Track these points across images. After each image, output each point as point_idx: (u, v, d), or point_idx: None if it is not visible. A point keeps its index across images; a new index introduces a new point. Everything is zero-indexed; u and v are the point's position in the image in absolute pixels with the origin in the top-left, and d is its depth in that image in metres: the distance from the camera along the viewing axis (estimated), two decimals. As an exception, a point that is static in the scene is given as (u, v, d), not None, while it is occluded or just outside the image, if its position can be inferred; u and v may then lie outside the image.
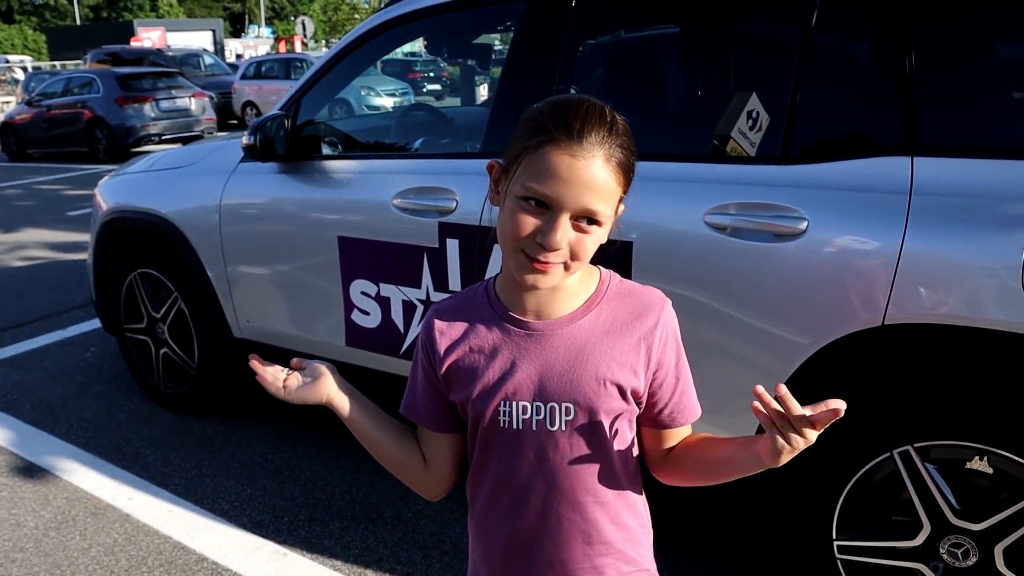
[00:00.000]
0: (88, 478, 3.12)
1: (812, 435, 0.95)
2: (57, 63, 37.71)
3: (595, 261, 1.11)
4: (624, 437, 1.13)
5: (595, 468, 1.11)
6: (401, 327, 2.69)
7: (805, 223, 1.89)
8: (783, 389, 0.94)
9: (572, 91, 3.42)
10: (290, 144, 2.91)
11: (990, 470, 1.84)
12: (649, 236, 2.10)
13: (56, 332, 4.86)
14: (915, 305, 1.76)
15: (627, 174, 1.05)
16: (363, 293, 2.76)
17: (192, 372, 3.51)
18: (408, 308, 2.65)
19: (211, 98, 14.94)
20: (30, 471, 3.20)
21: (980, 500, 1.83)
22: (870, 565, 1.98)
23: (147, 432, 3.49)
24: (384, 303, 2.71)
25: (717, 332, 2.05)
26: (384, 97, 15.91)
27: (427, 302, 2.59)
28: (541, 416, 1.10)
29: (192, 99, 13.94)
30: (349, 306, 2.81)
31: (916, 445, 1.83)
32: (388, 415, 1.22)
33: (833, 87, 2.09)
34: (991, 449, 1.76)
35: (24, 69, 33.20)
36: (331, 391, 1.18)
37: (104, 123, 13.04)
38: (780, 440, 0.96)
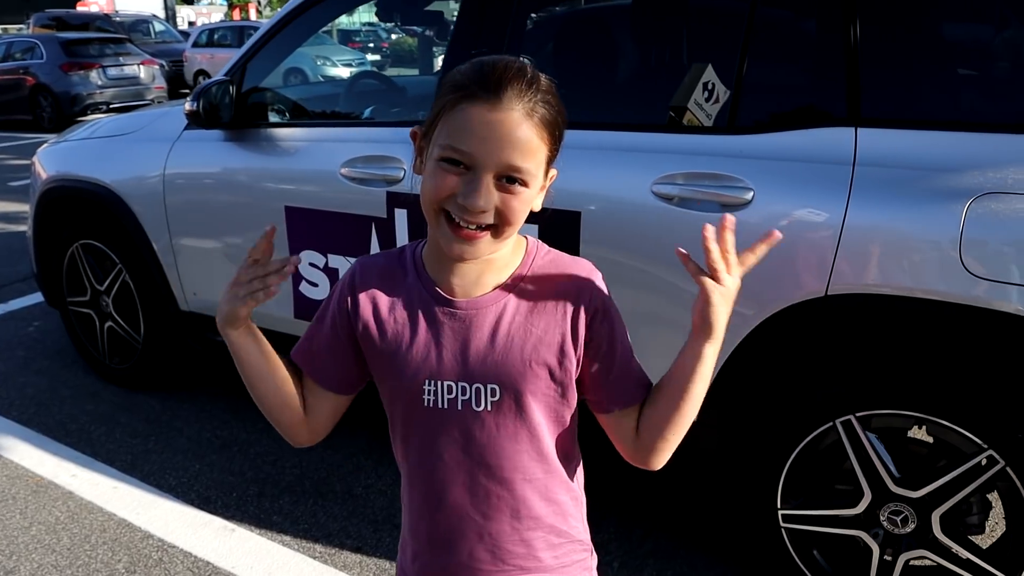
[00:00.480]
0: (30, 455, 3.04)
1: (735, 276, 1.00)
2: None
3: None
4: (555, 416, 1.10)
5: (523, 447, 1.08)
6: (350, 299, 2.65)
7: (751, 193, 1.89)
8: (729, 220, 0.99)
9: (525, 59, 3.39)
10: (236, 111, 2.83)
11: (930, 439, 1.88)
12: (597, 206, 2.09)
13: (-3, 306, 4.73)
14: (857, 275, 1.78)
15: (552, 131, 1.00)
16: (311, 264, 2.71)
17: (138, 346, 3.43)
18: (357, 280, 2.61)
19: (161, 66, 14.53)
20: (-32, 449, 3.11)
21: (919, 468, 1.87)
22: (813, 533, 2.01)
23: (92, 408, 3.41)
24: (332, 274, 2.67)
25: (664, 302, 2.05)
26: (340, 67, 15.63)
27: (376, 274, 2.55)
28: (467, 396, 1.06)
29: (141, 67, 13.54)
30: (297, 278, 2.76)
31: (858, 414, 1.86)
32: (275, 352, 1.14)
33: (779, 58, 2.09)
34: (930, 418, 1.79)
35: (-36, 34, 31.92)
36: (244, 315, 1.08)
37: (48, 90, 12.61)
38: (709, 283, 0.99)
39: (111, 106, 12.72)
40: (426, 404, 1.07)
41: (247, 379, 1.13)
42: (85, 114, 12.49)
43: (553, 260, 1.11)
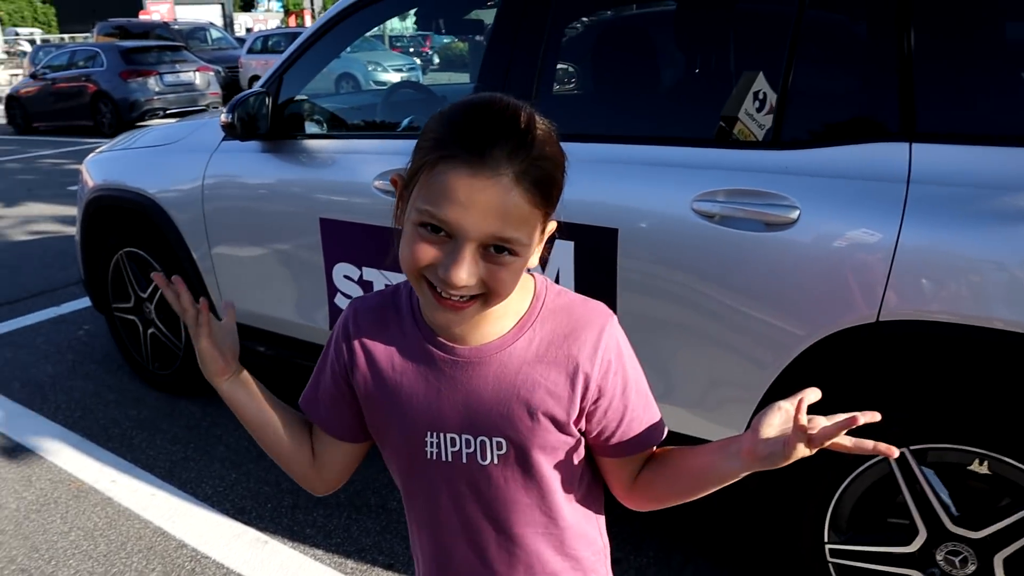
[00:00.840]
0: (72, 460, 3.08)
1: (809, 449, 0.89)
2: (66, 36, 37.60)
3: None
4: (566, 469, 1.02)
5: (534, 501, 1.01)
6: (386, 312, 2.61)
7: (797, 212, 1.79)
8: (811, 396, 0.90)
9: (560, 68, 3.32)
10: (272, 122, 2.82)
11: (990, 475, 1.76)
12: (635, 223, 2.01)
13: (50, 309, 4.82)
14: (912, 301, 1.67)
15: (548, 192, 0.88)
16: (346, 277, 2.68)
17: (180, 353, 3.45)
18: (392, 293, 2.58)
19: (217, 72, 14.83)
20: (15, 452, 3.16)
21: (980, 507, 1.75)
22: (863, 570, 1.90)
23: (135, 413, 3.44)
24: (367, 288, 2.64)
25: (705, 321, 1.97)
26: (391, 72, 15.75)
27: (411, 287, 2.51)
28: (471, 449, 0.99)
29: (196, 73, 13.83)
30: (332, 290, 2.73)
31: (912, 448, 1.75)
32: (278, 400, 1.10)
33: (828, 68, 1.99)
34: (991, 454, 1.68)
35: (32, 42, 33.13)
36: (232, 365, 1.06)
37: (108, 97, 12.96)
38: (786, 445, 0.88)
39: (167, 112, 13.01)
40: (429, 457, 1.01)
41: (247, 428, 1.09)
42: (143, 119, 12.81)
43: (564, 305, 1.01)
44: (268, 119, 2.82)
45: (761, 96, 1.99)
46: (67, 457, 3.10)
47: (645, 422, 1.03)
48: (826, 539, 1.92)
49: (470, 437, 0.99)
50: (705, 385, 2.02)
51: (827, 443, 0.88)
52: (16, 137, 14.05)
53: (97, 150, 3.82)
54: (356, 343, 1.03)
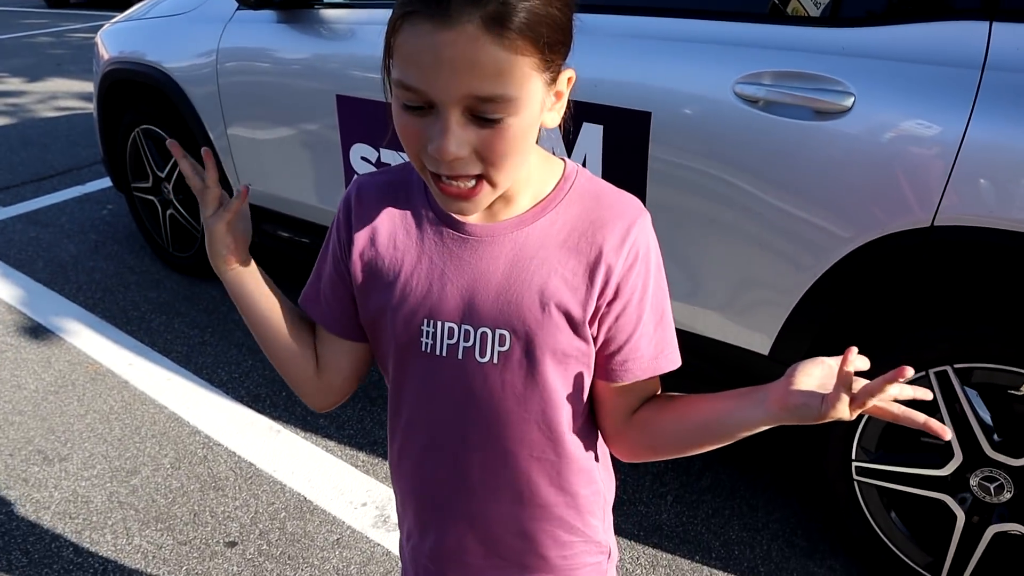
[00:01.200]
0: (91, 341, 3.06)
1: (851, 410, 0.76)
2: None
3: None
4: (574, 382, 0.89)
5: (533, 415, 0.88)
6: (402, 200, 2.48)
7: (851, 99, 1.59)
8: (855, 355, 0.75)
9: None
10: (287, -10, 2.62)
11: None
12: (668, 105, 1.82)
13: (75, 187, 4.76)
14: (973, 205, 1.49)
15: (542, 36, 0.72)
16: (363, 158, 2.54)
17: (198, 236, 3.38)
18: (409, 180, 2.43)
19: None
20: (36, 332, 3.15)
21: (1022, 433, 1.61)
22: (889, 491, 1.79)
23: (154, 296, 3.40)
24: (384, 173, 2.49)
25: (741, 217, 1.80)
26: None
27: (429, 174, 2.36)
28: (470, 343, 0.86)
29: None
30: (349, 172, 2.60)
31: (956, 366, 1.60)
32: (285, 297, 0.99)
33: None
34: (1044, 375, 1.53)
35: (66, -92, 32.15)
36: (242, 253, 0.94)
37: (139, -33, 12.57)
38: (824, 401, 0.76)
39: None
40: (423, 348, 0.88)
41: (249, 322, 0.98)
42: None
43: (595, 190, 0.89)
44: (282, -14, 2.62)
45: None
46: (86, 339, 3.08)
47: (656, 343, 0.89)
48: (854, 456, 1.80)
49: (470, 328, 0.86)
50: (736, 286, 1.87)
51: (870, 404, 0.75)
52: (47, 10, 13.78)
53: (112, 20, 3.64)
54: (355, 220, 0.92)
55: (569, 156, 1.96)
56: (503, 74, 0.72)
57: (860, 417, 1.75)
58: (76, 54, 9.11)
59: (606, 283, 0.85)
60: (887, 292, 1.75)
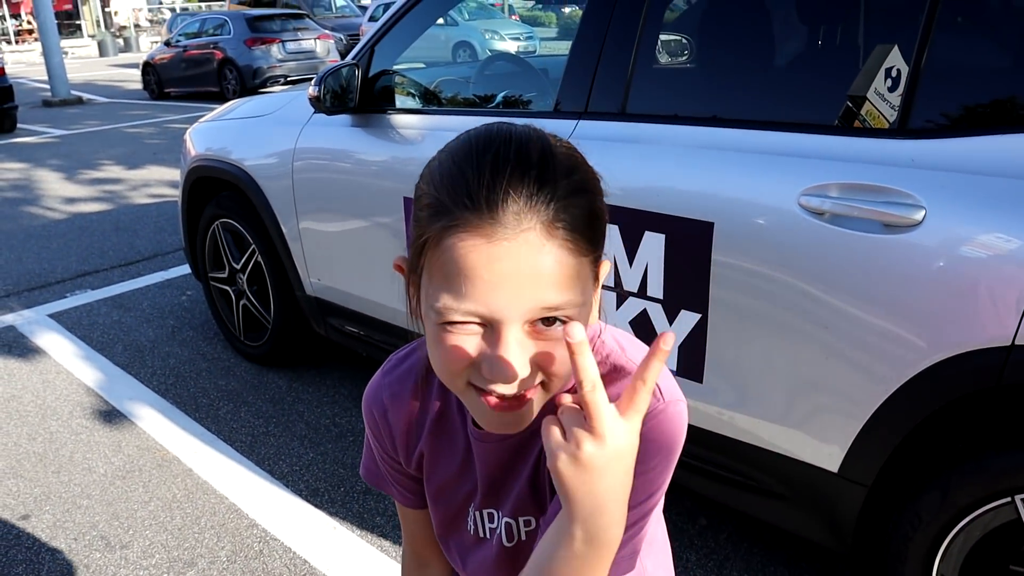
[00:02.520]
0: (160, 427, 3.13)
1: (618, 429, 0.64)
2: (203, 4, 39.25)
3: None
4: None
5: None
6: (465, 298, 2.49)
7: (922, 212, 1.54)
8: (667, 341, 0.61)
9: (665, 40, 3.07)
10: (361, 96, 2.73)
11: None
12: (731, 217, 1.80)
13: (159, 273, 4.97)
14: (1057, 325, 1.41)
15: (591, 231, 0.67)
16: (428, 259, 2.57)
17: (268, 326, 3.46)
18: (472, 278, 2.45)
19: (338, 40, 15.08)
20: (109, 416, 3.24)
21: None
22: (975, 625, 1.66)
23: (223, 384, 3.47)
24: (449, 271, 2.52)
25: (809, 328, 1.74)
26: (507, 41, 15.62)
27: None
28: (498, 530, 0.87)
29: (317, 41, 14.10)
30: (414, 271, 2.63)
31: (1045, 495, 1.49)
32: None
33: (972, 41, 1.71)
34: None
35: (172, 10, 34.75)
36: None
37: (233, 64, 13.39)
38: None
39: (288, 79, 13.33)
40: (468, 528, 0.90)
41: None
42: (265, 86, 13.16)
43: (614, 372, 0.78)
44: (357, 92, 2.73)
45: (895, 74, 1.73)
46: (156, 424, 3.15)
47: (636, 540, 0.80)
48: (935, 587, 1.68)
49: (497, 515, 0.88)
50: (804, 397, 1.80)
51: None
52: (149, 102, 14.74)
53: (200, 119, 3.85)
54: (396, 427, 0.90)
55: (631, 266, 1.95)
56: (570, 279, 0.66)
57: (939, 541, 1.65)
58: (171, 144, 9.66)
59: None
60: (971, 411, 1.65)
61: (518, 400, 0.70)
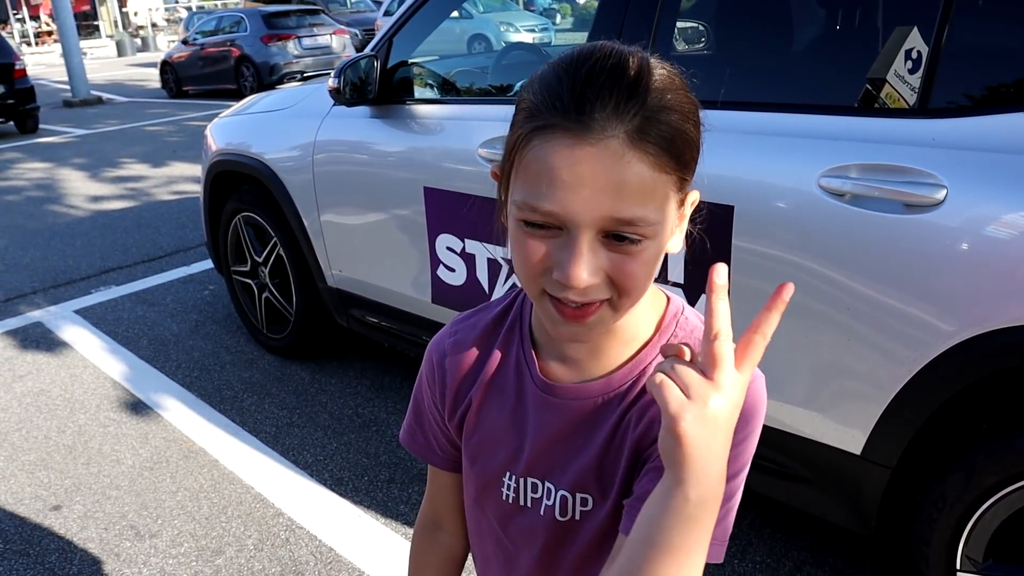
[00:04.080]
0: (186, 419, 3.17)
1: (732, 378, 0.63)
2: (220, 2, 39.45)
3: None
4: None
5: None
6: (486, 287, 2.51)
7: (944, 192, 1.54)
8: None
9: (684, 27, 3.06)
10: (380, 87, 2.75)
11: None
12: (753, 199, 1.80)
13: (182, 268, 5.02)
14: (1082, 302, 1.40)
15: (677, 150, 0.67)
16: (448, 248, 2.59)
17: (291, 318, 3.49)
18: (493, 267, 2.47)
19: (355, 35, 15.11)
20: (136, 408, 3.29)
21: None
22: (1002, 605, 1.66)
23: (247, 376, 3.51)
24: (469, 260, 2.54)
25: (830, 310, 1.74)
26: (523, 33, 15.59)
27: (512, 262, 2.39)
28: (551, 501, 0.85)
29: (333, 36, 14.14)
30: (435, 261, 2.65)
31: (1071, 473, 1.49)
32: None
33: (995, 18, 1.69)
34: None
35: (189, 9, 34.93)
36: None
37: (250, 61, 13.46)
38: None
39: (305, 75, 13.39)
40: (504, 498, 0.88)
41: None
42: (282, 82, 13.20)
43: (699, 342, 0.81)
44: (376, 84, 2.75)
45: (915, 55, 1.72)
46: (182, 416, 3.19)
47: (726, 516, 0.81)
48: (959, 567, 1.68)
49: (552, 487, 0.85)
50: (827, 380, 1.80)
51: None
52: (168, 100, 14.85)
53: (220, 114, 3.88)
54: (447, 367, 0.90)
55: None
56: (647, 194, 0.67)
57: (964, 522, 1.65)
58: (191, 141, 9.74)
59: None
60: (993, 391, 1.65)
61: (583, 311, 0.71)
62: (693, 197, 0.75)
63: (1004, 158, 1.50)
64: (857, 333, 1.71)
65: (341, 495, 2.64)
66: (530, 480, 0.85)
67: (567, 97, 0.66)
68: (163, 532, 2.50)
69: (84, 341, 3.98)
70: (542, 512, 0.86)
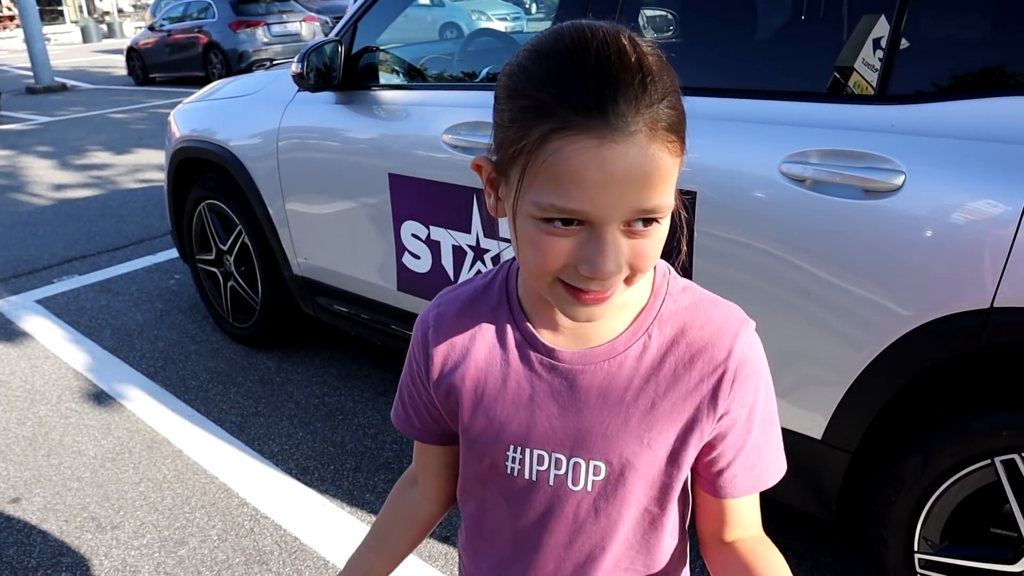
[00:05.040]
0: (150, 409, 3.13)
1: None
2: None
3: None
4: (669, 508, 0.87)
5: (626, 536, 0.87)
6: (451, 274, 2.50)
7: (902, 177, 1.55)
8: None
9: (648, 16, 3.06)
10: (344, 73, 2.72)
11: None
12: (716, 184, 1.80)
13: (147, 257, 4.95)
14: (1034, 286, 1.42)
15: (683, 130, 0.70)
16: (413, 235, 2.57)
17: (256, 307, 3.45)
18: (458, 254, 2.45)
19: (325, 22, 14.94)
20: (99, 399, 3.23)
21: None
22: (957, 585, 1.68)
23: (212, 365, 3.47)
24: (434, 247, 2.52)
25: (791, 296, 1.75)
26: (495, 21, 15.50)
27: (477, 248, 2.38)
28: (561, 471, 0.84)
29: (303, 23, 13.99)
30: (400, 249, 2.63)
31: None
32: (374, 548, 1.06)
33: (954, 3, 1.71)
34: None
35: (156, -6, 34.30)
36: None
37: (218, 48, 13.28)
38: None
39: (274, 62, 13.21)
40: (509, 472, 0.87)
41: None
42: (251, 70, 13.03)
43: (690, 305, 0.83)
44: (341, 70, 2.72)
45: (883, 44, 1.73)
46: (145, 406, 3.15)
47: (764, 459, 0.86)
48: (916, 548, 1.70)
49: (561, 457, 0.84)
50: (787, 366, 1.81)
51: None
52: (134, 88, 14.62)
53: (184, 100, 3.82)
54: (434, 352, 0.89)
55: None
56: (668, 181, 0.68)
57: (922, 505, 1.67)
58: (157, 129, 9.59)
59: (713, 409, 0.81)
60: (949, 375, 1.67)
61: (602, 294, 0.72)
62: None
63: (962, 144, 1.51)
64: (817, 318, 1.73)
65: (307, 484, 2.62)
66: (536, 452, 0.84)
67: (583, 94, 0.65)
68: (125, 523, 2.47)
69: (46, 331, 3.91)
70: (551, 482, 0.85)
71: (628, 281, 0.73)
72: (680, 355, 0.81)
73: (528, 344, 0.84)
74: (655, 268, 0.85)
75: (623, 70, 0.65)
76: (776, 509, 2.31)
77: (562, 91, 0.65)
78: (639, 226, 0.69)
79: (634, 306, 0.82)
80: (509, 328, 0.85)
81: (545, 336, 0.84)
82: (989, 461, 1.55)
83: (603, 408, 0.82)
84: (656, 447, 0.81)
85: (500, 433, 0.85)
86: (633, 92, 0.65)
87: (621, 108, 0.64)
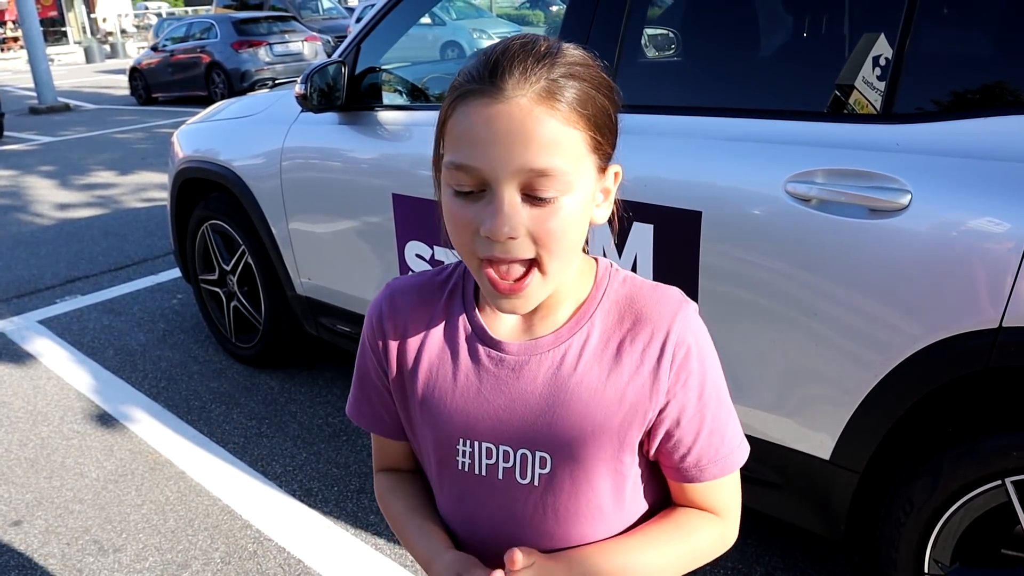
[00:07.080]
0: (153, 431, 3.11)
1: None
2: (190, 9, 39.12)
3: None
4: (622, 495, 0.87)
5: (577, 531, 0.87)
6: (455, 294, 2.49)
7: (908, 196, 1.55)
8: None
9: (652, 34, 3.08)
10: (348, 93, 2.72)
11: None
12: (720, 206, 1.80)
13: (149, 277, 4.95)
14: (1044, 306, 1.41)
15: (588, 112, 0.75)
16: (417, 255, 2.57)
17: (260, 327, 3.45)
18: (462, 274, 2.44)
19: (327, 42, 15.04)
20: (102, 420, 3.22)
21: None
22: (969, 607, 1.66)
23: (215, 386, 3.46)
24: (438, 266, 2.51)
25: (798, 316, 1.75)
26: (496, 40, 15.59)
27: (481, 269, 2.37)
28: (509, 464, 0.85)
29: (305, 43, 14.07)
30: (404, 269, 2.63)
31: (1035, 476, 1.50)
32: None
33: (956, 25, 1.71)
34: None
35: (158, 15, 34.60)
36: None
37: (221, 67, 13.34)
38: None
39: (277, 81, 13.28)
40: (460, 467, 0.88)
41: None
42: (253, 89, 13.09)
43: (631, 292, 0.87)
44: (344, 90, 2.72)
45: (883, 62, 1.74)
46: (148, 428, 3.13)
47: (722, 440, 0.87)
48: (926, 570, 1.68)
49: (508, 449, 0.85)
50: (795, 386, 1.80)
51: None
52: (137, 107, 14.68)
53: (188, 121, 3.83)
54: (389, 329, 0.91)
55: (620, 256, 1.95)
56: (557, 144, 0.73)
57: (931, 526, 1.66)
58: (160, 148, 9.62)
59: (655, 393, 0.82)
60: (958, 395, 1.66)
61: (517, 285, 0.77)
62: (616, 169, 0.82)
63: (968, 163, 1.51)
64: (824, 338, 1.72)
65: (310, 506, 2.60)
66: (484, 444, 0.86)
67: (483, 68, 0.74)
68: (127, 546, 2.45)
69: (48, 352, 3.90)
70: (500, 476, 0.86)
71: (542, 269, 0.77)
72: (621, 337, 0.84)
73: (477, 337, 0.87)
74: (598, 263, 0.89)
75: (523, 51, 0.75)
76: (785, 529, 2.30)
77: (471, 70, 0.76)
78: (538, 196, 0.74)
79: (577, 298, 0.86)
80: (462, 321, 0.89)
81: (495, 329, 0.87)
82: (1000, 482, 1.54)
83: (547, 398, 0.84)
84: (601, 436, 0.83)
85: (449, 426, 0.87)
86: (526, 66, 0.73)
87: (510, 77, 0.73)
